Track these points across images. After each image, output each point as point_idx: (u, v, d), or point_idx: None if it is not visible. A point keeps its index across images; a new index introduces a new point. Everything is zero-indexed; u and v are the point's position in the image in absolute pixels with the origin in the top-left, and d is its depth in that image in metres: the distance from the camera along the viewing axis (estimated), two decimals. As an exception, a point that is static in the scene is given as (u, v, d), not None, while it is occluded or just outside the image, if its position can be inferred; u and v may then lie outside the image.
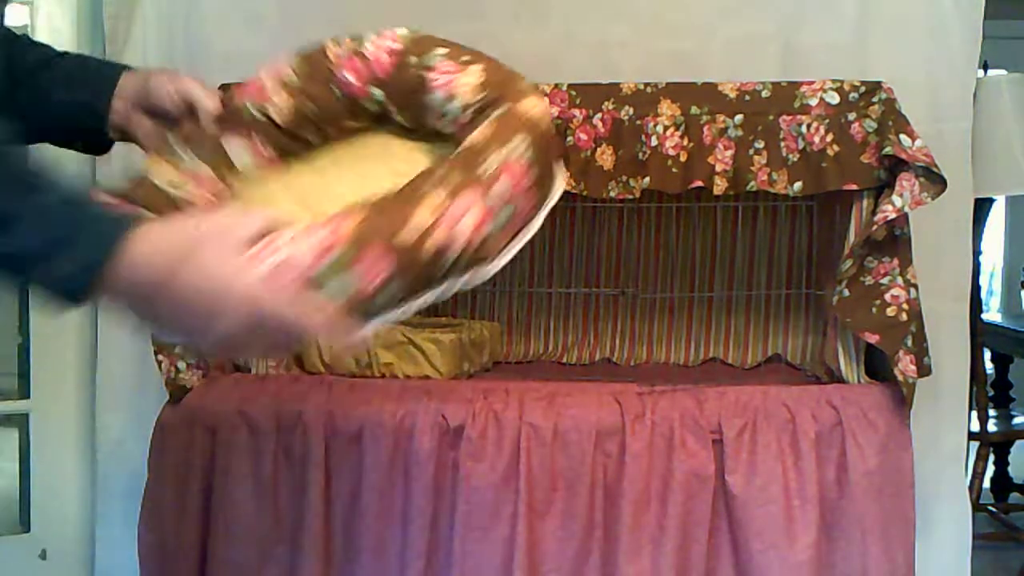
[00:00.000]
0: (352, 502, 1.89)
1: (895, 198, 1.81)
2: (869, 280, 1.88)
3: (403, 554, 1.87)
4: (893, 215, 1.80)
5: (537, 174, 1.16)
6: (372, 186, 1.11)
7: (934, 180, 1.82)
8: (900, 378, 1.85)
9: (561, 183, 1.26)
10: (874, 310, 1.86)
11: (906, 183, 1.81)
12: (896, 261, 1.87)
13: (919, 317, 1.88)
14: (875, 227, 1.81)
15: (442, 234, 1.04)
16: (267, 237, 0.95)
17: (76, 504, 2.44)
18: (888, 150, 1.83)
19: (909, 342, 1.86)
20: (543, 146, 1.19)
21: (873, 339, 1.86)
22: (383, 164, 1.33)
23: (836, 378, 1.98)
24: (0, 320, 2.73)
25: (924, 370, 1.90)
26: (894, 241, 1.87)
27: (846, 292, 1.89)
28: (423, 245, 1.03)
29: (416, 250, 1.02)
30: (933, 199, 1.82)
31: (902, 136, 1.84)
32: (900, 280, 1.86)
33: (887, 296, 1.86)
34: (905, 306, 1.86)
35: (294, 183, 1.33)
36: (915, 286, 1.87)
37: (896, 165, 1.85)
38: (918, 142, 1.83)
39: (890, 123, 1.85)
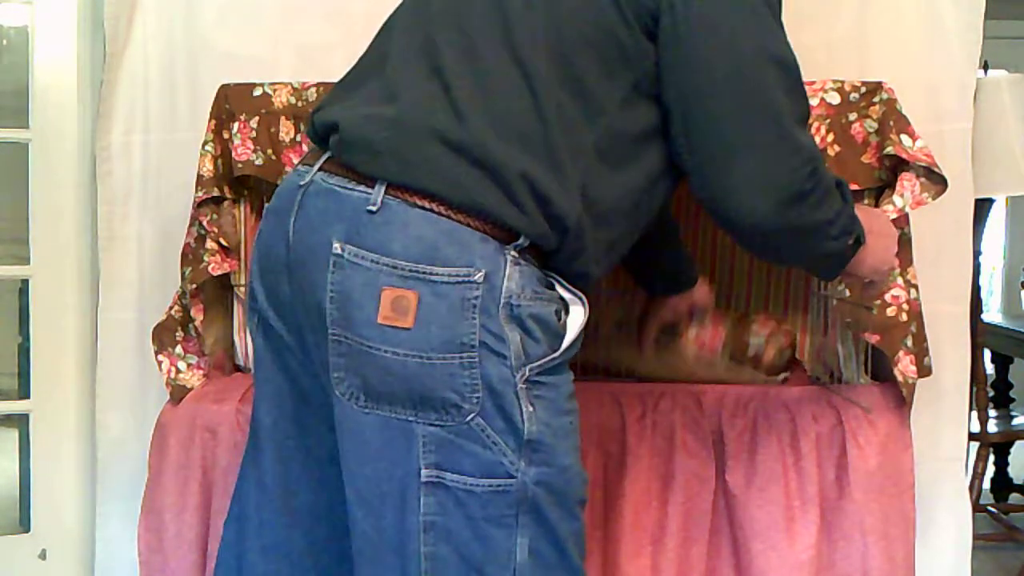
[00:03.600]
0: (352, 502, 1.89)
1: (896, 198, 1.81)
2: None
3: (403, 554, 1.87)
4: (894, 215, 1.80)
5: None
6: None
7: (935, 180, 1.82)
8: (900, 378, 1.85)
9: None
10: (874, 310, 1.86)
11: (907, 183, 1.81)
12: (896, 261, 1.87)
13: (919, 317, 1.88)
14: None
15: None
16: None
17: (76, 504, 2.44)
18: (889, 150, 1.83)
19: (909, 342, 1.86)
20: None
21: (873, 339, 1.86)
22: None
23: (836, 378, 1.98)
24: (0, 320, 2.73)
25: (924, 370, 1.90)
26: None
27: (846, 292, 1.89)
28: None
29: None
30: (934, 199, 1.82)
31: (903, 136, 1.83)
32: (900, 280, 1.86)
33: (887, 296, 1.86)
34: (905, 306, 1.86)
35: None
36: (915, 286, 1.87)
37: (897, 165, 1.85)
38: (919, 142, 1.83)
39: (891, 123, 1.85)
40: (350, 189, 1.24)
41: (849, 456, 1.84)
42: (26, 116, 2.41)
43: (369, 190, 1.22)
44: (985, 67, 3.17)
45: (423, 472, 1.21)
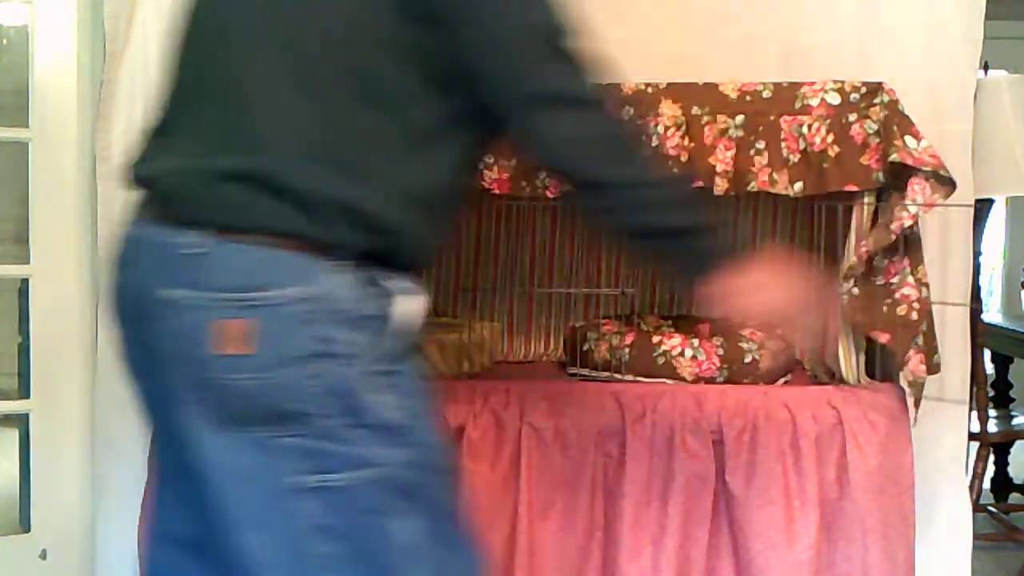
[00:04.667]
0: (352, 502, 1.89)
1: (910, 206, 1.82)
2: (879, 279, 1.88)
3: (403, 554, 1.87)
4: (910, 222, 1.81)
5: None
6: None
7: (943, 181, 1.83)
8: (910, 378, 1.85)
9: None
10: (884, 309, 1.86)
11: (917, 187, 1.82)
12: (907, 260, 1.87)
13: (929, 315, 1.89)
14: (894, 236, 1.83)
15: None
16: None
17: (76, 504, 2.43)
18: (894, 156, 1.83)
19: (919, 341, 1.86)
20: None
21: (884, 339, 1.86)
22: None
23: (836, 378, 1.98)
24: (0, 320, 2.73)
25: (933, 368, 1.90)
26: (904, 240, 1.87)
27: (855, 291, 1.89)
28: None
29: None
30: (945, 199, 1.83)
31: (907, 138, 1.84)
32: (911, 279, 1.86)
33: (897, 295, 1.86)
34: (916, 305, 1.86)
35: None
36: (926, 284, 1.87)
37: (902, 169, 1.85)
38: (923, 142, 1.83)
39: (894, 126, 1.85)
40: (173, 236, 1.29)
41: (849, 456, 1.84)
42: (26, 116, 2.41)
43: (190, 234, 1.28)
44: (985, 67, 3.17)
45: (296, 481, 1.26)
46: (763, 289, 1.42)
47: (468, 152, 1.41)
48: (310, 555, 1.27)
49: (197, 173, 1.30)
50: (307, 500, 1.26)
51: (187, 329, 1.26)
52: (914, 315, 1.85)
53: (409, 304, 1.35)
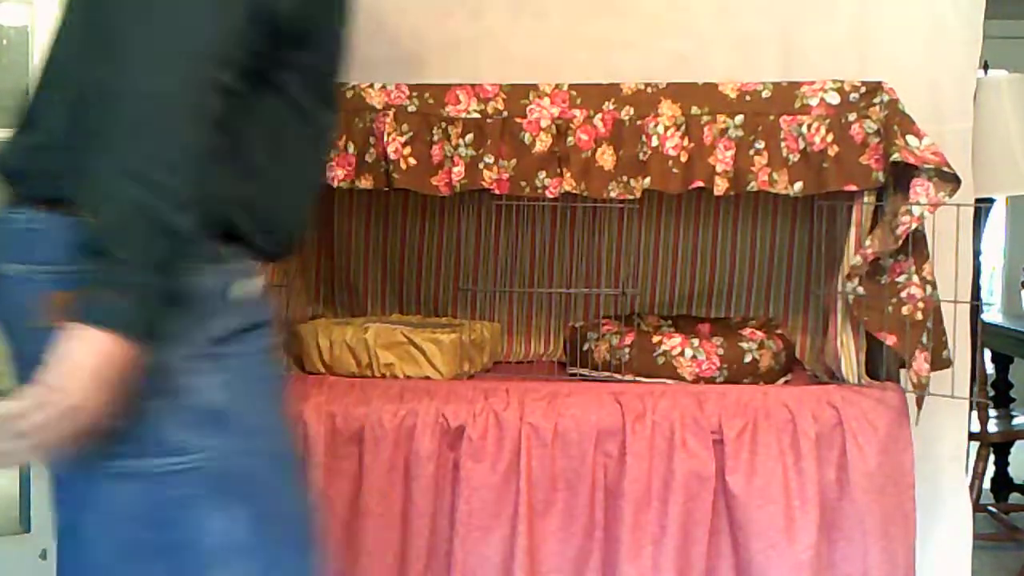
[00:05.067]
0: (352, 503, 1.89)
1: (913, 208, 1.82)
2: (884, 278, 1.88)
3: (403, 554, 1.87)
4: (915, 225, 1.81)
5: None
6: None
7: (947, 179, 1.83)
8: (914, 379, 1.85)
9: None
10: (890, 309, 1.86)
11: (920, 188, 1.82)
12: (912, 259, 1.87)
13: (936, 312, 1.89)
14: (899, 241, 1.83)
15: None
16: None
17: (76, 504, 2.43)
18: (896, 156, 1.83)
19: (925, 339, 1.86)
20: None
21: (891, 341, 1.86)
22: None
23: (836, 378, 1.98)
24: None
25: (942, 363, 1.91)
26: (910, 239, 1.87)
27: (860, 290, 1.89)
28: None
29: None
30: (950, 196, 1.83)
31: (908, 137, 1.83)
32: (916, 278, 1.86)
33: (903, 295, 1.86)
34: (921, 304, 1.86)
35: None
36: (932, 283, 1.87)
37: (904, 169, 1.85)
38: (925, 140, 1.83)
39: (895, 126, 1.85)
40: (12, 214, 1.31)
41: (849, 456, 1.84)
42: (26, 116, 2.41)
43: (25, 210, 1.29)
44: (985, 67, 3.17)
45: (111, 464, 1.22)
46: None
47: (252, 108, 1.31)
48: (121, 542, 1.25)
49: (30, 151, 1.32)
50: (121, 484, 1.23)
51: (20, 303, 1.26)
52: (919, 315, 1.85)
53: (251, 285, 1.33)
